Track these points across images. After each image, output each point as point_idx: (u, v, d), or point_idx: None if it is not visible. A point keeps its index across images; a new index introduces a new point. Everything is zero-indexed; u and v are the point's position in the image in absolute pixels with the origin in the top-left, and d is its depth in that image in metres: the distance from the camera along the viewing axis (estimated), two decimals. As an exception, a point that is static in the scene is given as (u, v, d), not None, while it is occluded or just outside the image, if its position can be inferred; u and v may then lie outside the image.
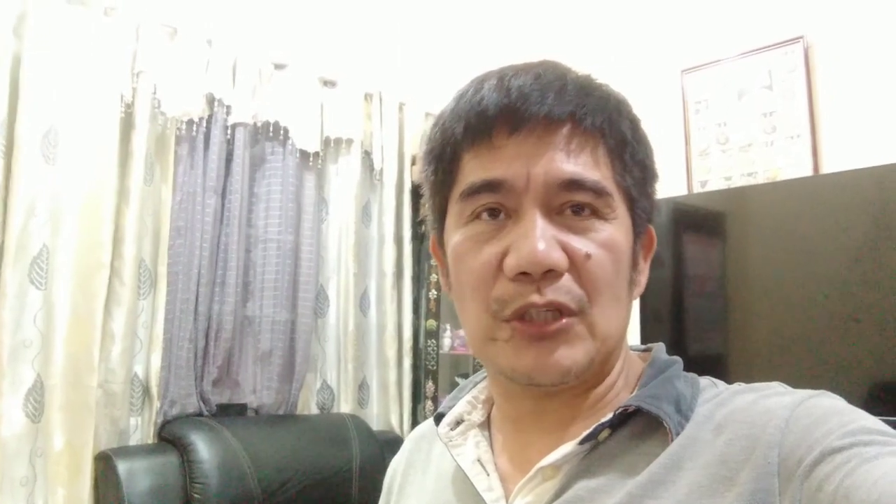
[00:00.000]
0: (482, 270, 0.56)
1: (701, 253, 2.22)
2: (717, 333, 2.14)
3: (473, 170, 0.56)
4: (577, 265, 0.54)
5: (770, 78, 2.25)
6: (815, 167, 2.13)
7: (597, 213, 0.55)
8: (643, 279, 0.62)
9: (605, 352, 0.57)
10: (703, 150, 2.41)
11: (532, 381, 0.55)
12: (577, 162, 0.55)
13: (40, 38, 2.14)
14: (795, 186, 2.06)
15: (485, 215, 0.56)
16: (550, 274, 0.53)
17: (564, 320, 0.54)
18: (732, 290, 2.12)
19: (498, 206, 0.56)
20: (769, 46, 2.25)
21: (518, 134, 0.55)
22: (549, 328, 0.54)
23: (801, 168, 2.16)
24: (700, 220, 2.24)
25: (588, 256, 0.54)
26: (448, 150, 0.59)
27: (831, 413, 0.50)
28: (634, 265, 0.60)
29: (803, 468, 0.47)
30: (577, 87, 0.56)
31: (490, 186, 0.55)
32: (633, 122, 0.59)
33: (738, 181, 2.30)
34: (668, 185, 2.38)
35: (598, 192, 0.55)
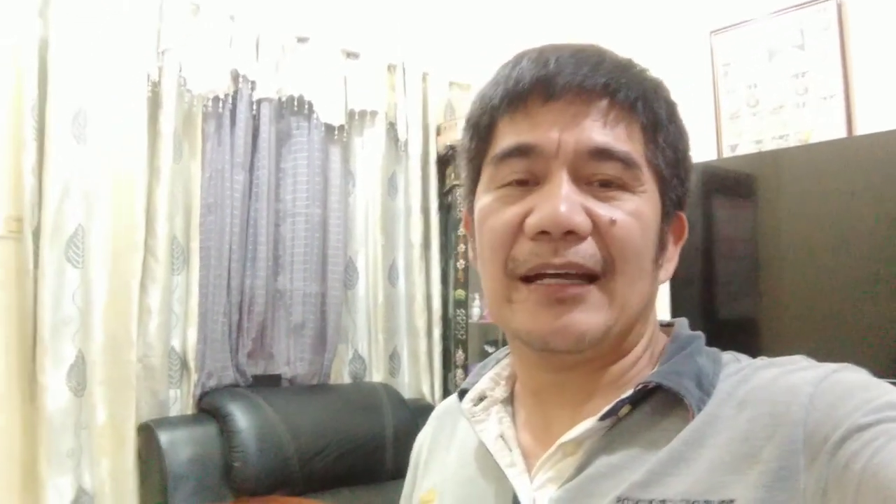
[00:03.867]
0: (503, 229, 0.57)
1: (732, 218, 2.19)
2: (748, 297, 2.12)
3: (507, 135, 0.57)
4: (600, 230, 0.54)
5: (802, 37, 2.19)
6: (849, 128, 2.08)
7: (625, 187, 0.56)
8: (672, 266, 0.62)
9: (623, 323, 0.57)
10: (733, 114, 2.36)
11: (547, 345, 0.56)
12: (609, 133, 0.55)
13: (66, 20, 2.17)
14: (828, 149, 2.01)
15: (514, 183, 0.57)
16: (571, 236, 0.54)
17: (582, 286, 0.55)
18: (764, 255, 2.09)
19: (527, 177, 0.56)
20: (801, 5, 2.18)
21: (553, 102, 0.55)
22: (565, 292, 0.54)
23: (834, 130, 2.11)
24: (731, 185, 2.21)
25: (613, 222, 0.54)
26: (485, 117, 0.59)
27: (856, 388, 0.50)
28: (662, 247, 0.60)
29: (829, 446, 0.47)
30: (613, 64, 0.57)
31: (521, 150, 0.56)
32: (669, 105, 0.59)
33: (770, 144, 2.26)
34: (698, 150, 2.33)
35: (628, 163, 0.55)
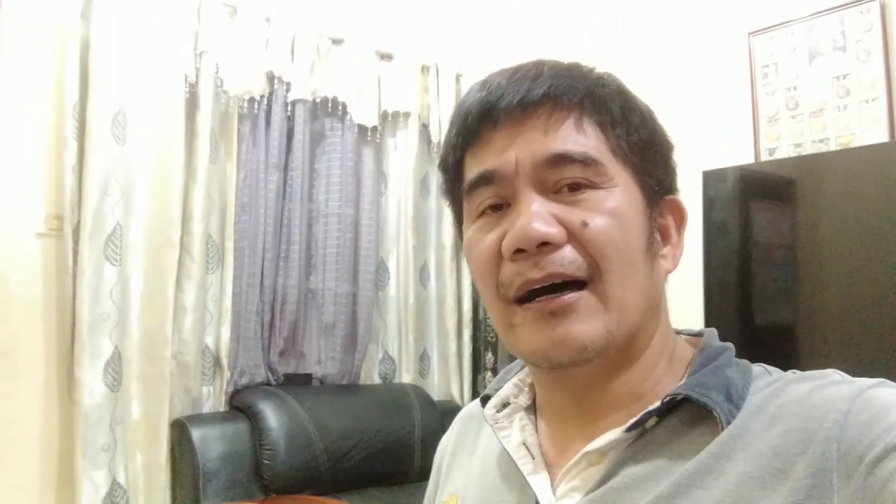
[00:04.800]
0: (485, 257, 0.58)
1: (769, 223, 2.15)
2: (785, 305, 2.07)
3: (472, 168, 0.59)
4: (575, 235, 0.55)
5: (844, 38, 2.13)
6: (892, 132, 2.03)
7: (593, 186, 0.56)
8: (678, 253, 0.61)
9: (626, 324, 0.56)
10: (772, 116, 2.31)
11: (550, 361, 0.56)
12: (558, 137, 0.56)
13: (107, 21, 2.22)
14: (870, 153, 1.96)
15: (489, 210, 0.59)
16: (546, 247, 0.54)
17: (570, 294, 0.54)
18: (802, 262, 2.05)
19: (499, 201, 0.58)
20: (843, 5, 2.13)
21: (501, 126, 0.57)
22: (554, 303, 0.54)
23: (876, 133, 2.05)
24: (769, 189, 2.17)
25: (585, 224, 0.54)
26: (450, 158, 0.62)
27: (892, 405, 0.48)
28: (664, 237, 0.60)
29: (865, 465, 0.46)
30: (552, 72, 0.57)
31: (485, 179, 0.58)
32: (623, 94, 0.59)
33: (809, 148, 2.21)
34: (735, 153, 2.31)
35: (586, 161, 0.55)
